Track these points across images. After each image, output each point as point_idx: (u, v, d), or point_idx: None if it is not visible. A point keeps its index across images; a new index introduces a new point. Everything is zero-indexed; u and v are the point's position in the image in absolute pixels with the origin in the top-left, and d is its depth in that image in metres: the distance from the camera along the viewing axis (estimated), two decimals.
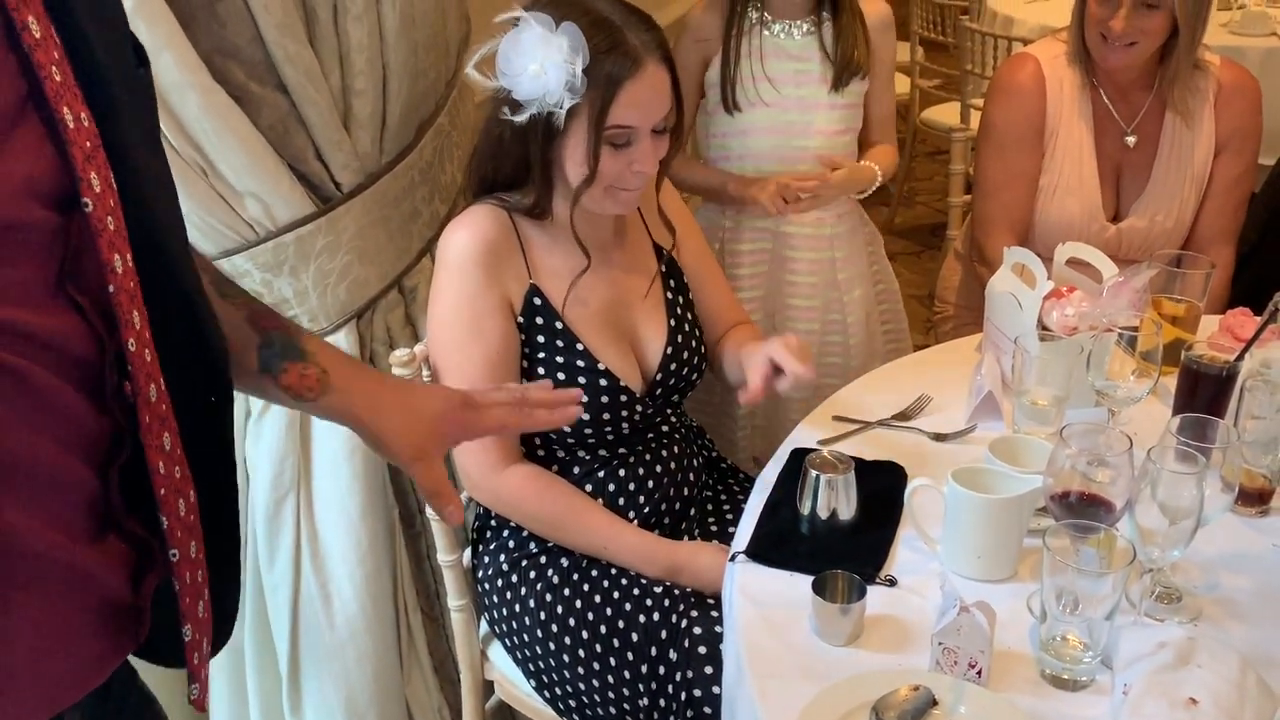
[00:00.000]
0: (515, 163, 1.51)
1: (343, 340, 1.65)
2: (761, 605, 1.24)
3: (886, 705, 1.05)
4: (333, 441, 1.68)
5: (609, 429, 1.56)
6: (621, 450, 1.60)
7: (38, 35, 0.67)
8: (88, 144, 0.69)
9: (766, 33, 1.96)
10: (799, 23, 1.97)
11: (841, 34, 1.96)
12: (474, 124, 1.97)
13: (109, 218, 0.70)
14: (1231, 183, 2.10)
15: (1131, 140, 2.08)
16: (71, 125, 0.68)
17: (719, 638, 1.40)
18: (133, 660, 0.87)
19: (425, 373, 1.57)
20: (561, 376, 1.52)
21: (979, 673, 1.10)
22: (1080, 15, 2.01)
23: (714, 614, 1.44)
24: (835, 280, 2.09)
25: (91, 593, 0.77)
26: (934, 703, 1.06)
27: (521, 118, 1.43)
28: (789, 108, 1.98)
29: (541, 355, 1.53)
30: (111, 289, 0.71)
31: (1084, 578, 1.08)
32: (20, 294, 0.67)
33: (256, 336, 0.98)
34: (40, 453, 0.69)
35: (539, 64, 1.38)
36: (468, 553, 1.68)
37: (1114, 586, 1.07)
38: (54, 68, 0.68)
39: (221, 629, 0.91)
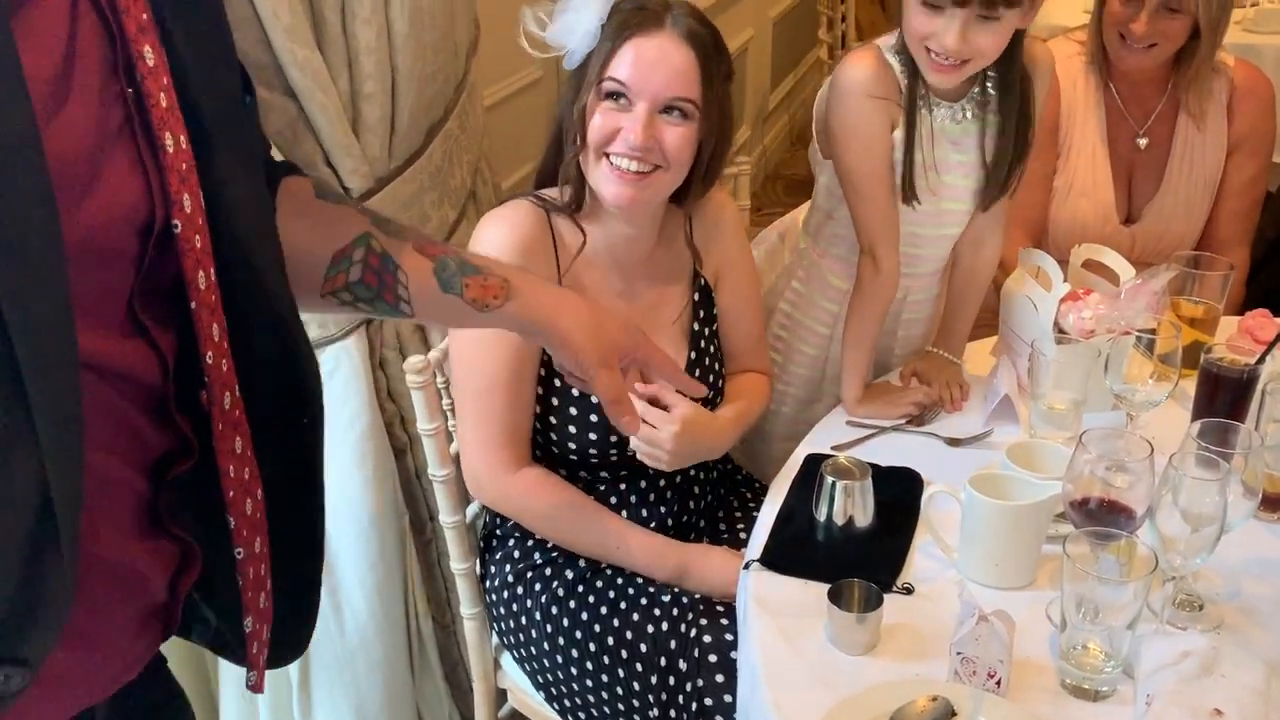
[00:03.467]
0: (556, 147, 1.50)
1: (352, 346, 1.64)
2: (776, 614, 1.22)
3: (904, 716, 1.04)
4: (344, 447, 1.67)
5: (614, 452, 1.54)
6: (623, 471, 1.57)
7: (151, 64, 0.70)
8: (183, 166, 0.72)
9: (929, 113, 1.60)
10: (953, 105, 1.60)
11: (1004, 124, 1.59)
12: (483, 128, 1.96)
13: (196, 236, 0.73)
14: (1245, 185, 2.08)
15: (1143, 142, 2.06)
16: (171, 150, 0.71)
17: (729, 646, 1.39)
18: (185, 650, 0.90)
19: (439, 380, 1.56)
20: (575, 391, 1.50)
21: (998, 683, 1.08)
22: (1100, 14, 1.99)
23: (724, 622, 1.43)
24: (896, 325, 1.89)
25: (136, 591, 0.80)
26: (952, 713, 1.04)
27: (569, 67, 1.44)
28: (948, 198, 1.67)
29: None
30: (194, 305, 0.75)
31: (1104, 586, 1.07)
32: (94, 321, 0.69)
33: (429, 261, 1.00)
34: (96, 462, 0.71)
35: (575, 14, 1.40)
36: (477, 562, 1.67)
37: (1135, 595, 1.05)
38: (161, 94, 0.71)
39: (296, 635, 0.95)
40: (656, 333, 1.58)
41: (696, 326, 1.62)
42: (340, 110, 1.53)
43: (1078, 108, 2.05)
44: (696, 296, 1.62)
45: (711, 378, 1.62)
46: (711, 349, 1.63)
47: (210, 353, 0.77)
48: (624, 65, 1.41)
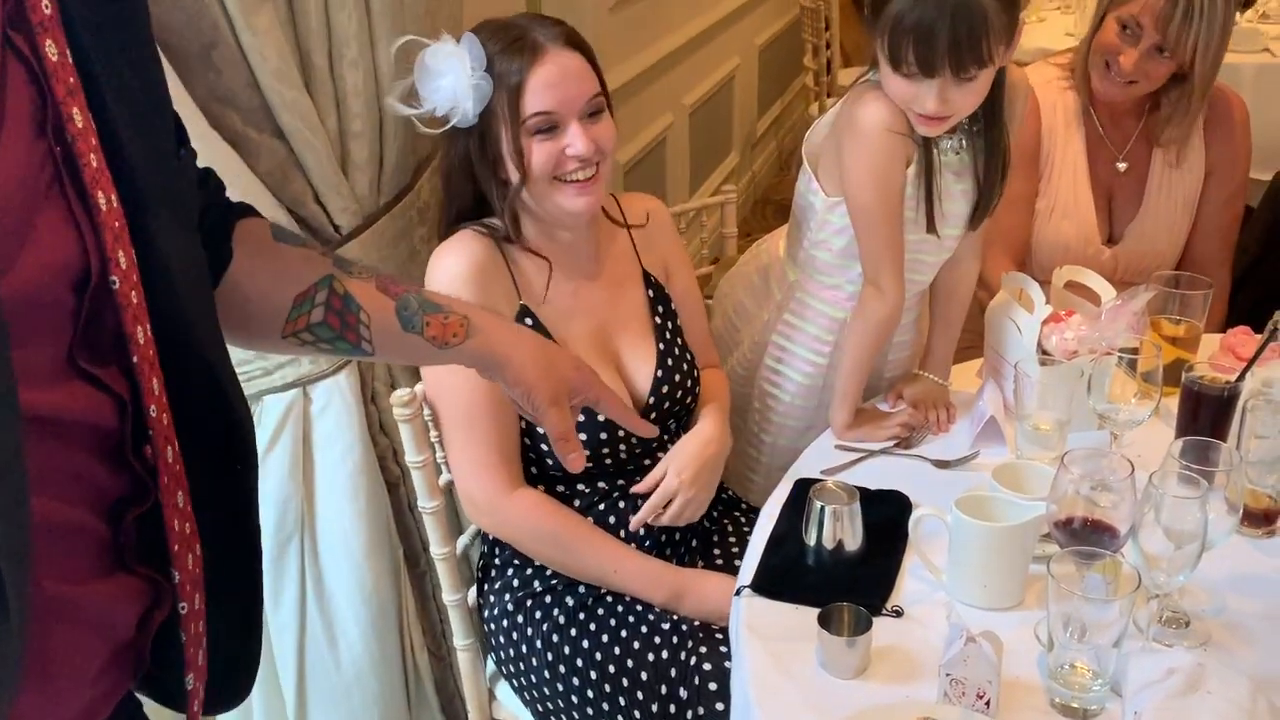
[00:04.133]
0: (466, 194, 1.54)
1: (343, 381, 1.65)
2: (768, 639, 1.23)
3: None
4: (337, 481, 1.68)
5: (607, 459, 1.56)
6: (620, 482, 1.59)
7: (80, 125, 0.71)
8: (116, 224, 0.73)
9: (935, 146, 1.62)
10: (953, 137, 1.63)
11: (991, 152, 1.63)
12: None
13: (133, 293, 0.75)
14: (1222, 205, 2.10)
15: (1123, 166, 2.09)
16: (104, 208, 0.72)
17: (729, 674, 1.39)
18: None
19: (426, 413, 1.57)
20: None
21: (987, 703, 1.09)
22: (1091, 38, 2.00)
23: (723, 649, 1.43)
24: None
25: (99, 630, 0.79)
26: None
27: (447, 128, 1.47)
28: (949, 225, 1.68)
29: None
30: (135, 359, 0.76)
31: (1090, 604, 1.08)
32: (34, 373, 0.70)
33: (391, 301, 1.03)
34: (46, 510, 0.71)
35: (446, 76, 1.43)
36: (473, 591, 1.68)
37: (1121, 612, 1.06)
38: (91, 155, 0.72)
39: (235, 684, 0.93)
40: (623, 333, 1.62)
41: (659, 320, 1.66)
42: (329, 149, 1.55)
43: (1059, 131, 2.08)
44: (651, 293, 1.67)
45: (686, 366, 1.65)
46: (679, 340, 1.67)
47: (152, 406, 0.78)
48: (538, 97, 1.45)
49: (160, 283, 0.77)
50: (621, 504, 1.59)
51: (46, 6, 0.68)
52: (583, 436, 1.53)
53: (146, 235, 0.76)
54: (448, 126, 1.47)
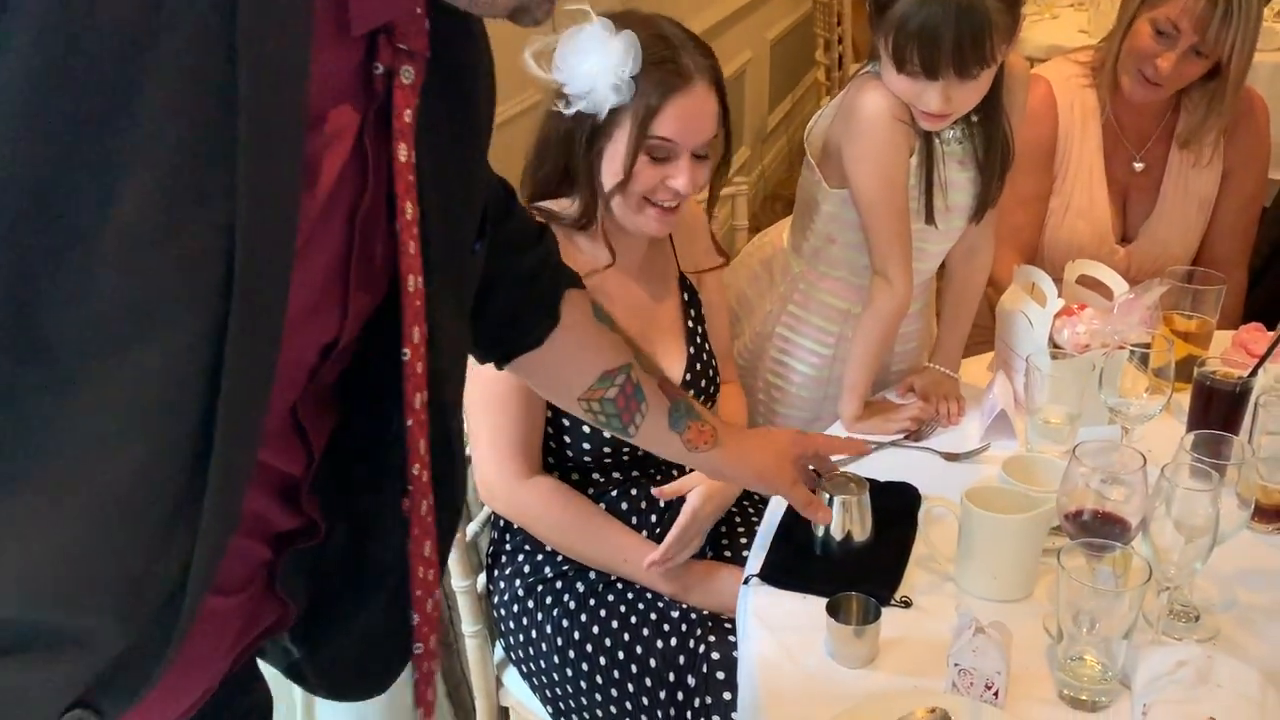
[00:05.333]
0: (555, 165, 1.53)
1: None
2: (776, 628, 1.23)
3: None
4: None
5: (625, 450, 1.57)
6: (634, 473, 1.60)
7: (409, 217, 0.78)
8: (417, 304, 0.81)
9: (938, 136, 1.63)
10: (955, 127, 1.63)
11: (991, 142, 1.63)
12: None
13: (419, 363, 0.82)
14: (1241, 206, 2.09)
15: (1139, 166, 2.06)
16: (411, 290, 0.80)
17: (737, 664, 1.39)
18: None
19: None
20: None
21: (996, 694, 1.09)
22: (1120, 41, 1.96)
23: (732, 639, 1.44)
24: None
25: (224, 637, 0.86)
26: None
27: (569, 111, 1.45)
28: (954, 217, 1.70)
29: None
30: (409, 422, 0.83)
31: (1100, 597, 1.08)
32: (268, 425, 0.74)
33: (667, 402, 1.22)
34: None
35: (593, 63, 1.41)
36: (482, 578, 1.68)
37: (1130, 605, 1.06)
38: (411, 242, 0.79)
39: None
40: (660, 333, 1.63)
41: (690, 324, 1.66)
42: None
43: (1075, 130, 2.06)
44: (685, 296, 1.68)
45: (711, 373, 1.67)
46: (706, 346, 1.68)
47: (416, 465, 0.85)
48: (670, 125, 1.45)
49: (434, 357, 0.84)
50: (635, 493, 1.59)
51: (408, 116, 0.75)
52: (605, 434, 1.53)
53: (434, 316, 0.83)
54: (570, 109, 1.45)
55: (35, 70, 0.53)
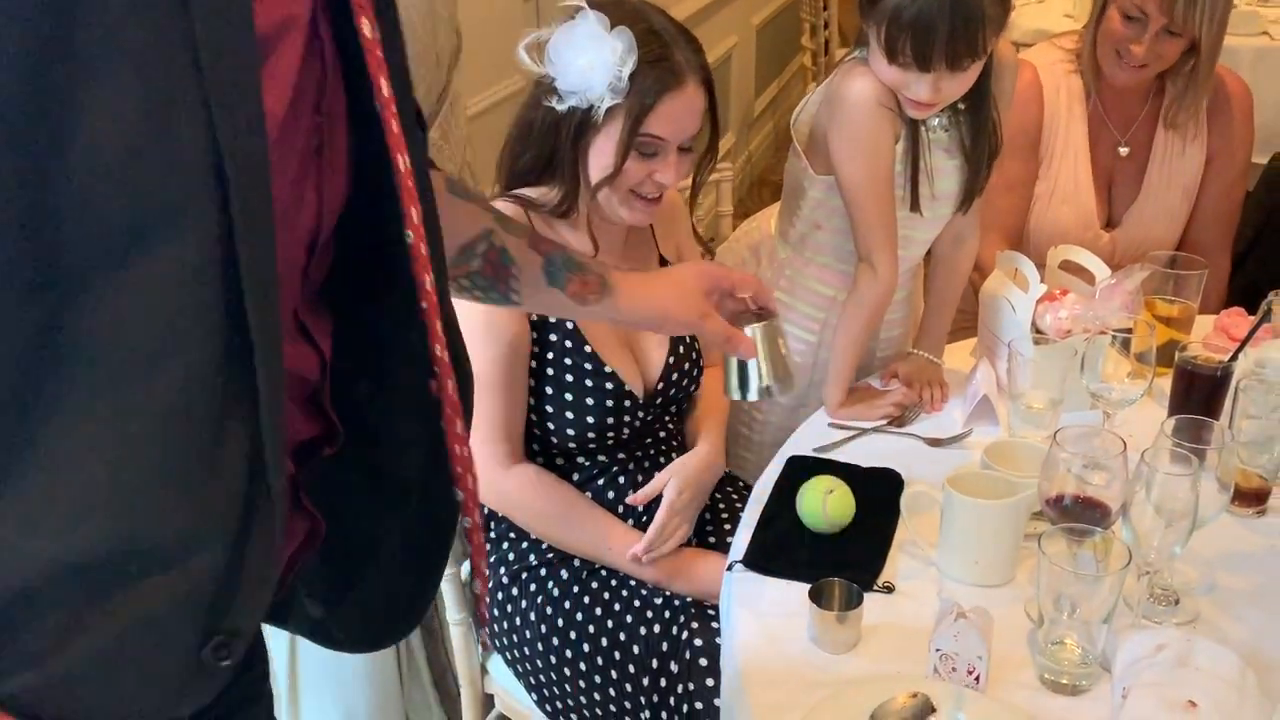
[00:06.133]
0: (539, 153, 1.53)
1: None
2: (759, 614, 1.24)
3: (885, 713, 1.05)
4: None
5: (610, 433, 1.56)
6: (620, 456, 1.60)
7: (386, 95, 0.77)
8: (409, 184, 0.79)
9: (924, 124, 1.62)
10: (941, 115, 1.63)
11: (978, 130, 1.63)
12: (466, 138, 1.97)
13: (423, 244, 0.81)
14: (1224, 191, 2.10)
15: (1125, 150, 2.07)
16: (402, 170, 0.79)
17: (720, 650, 1.40)
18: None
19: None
20: (569, 378, 1.53)
21: (977, 679, 1.09)
22: (1095, 28, 1.97)
23: (715, 625, 1.44)
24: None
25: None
26: (932, 709, 1.06)
27: (561, 107, 1.45)
28: (940, 205, 1.69)
29: (550, 355, 1.54)
30: (424, 305, 0.83)
31: (1081, 581, 1.08)
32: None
33: (539, 257, 1.13)
34: None
35: (589, 59, 1.41)
36: (466, 566, 1.68)
37: (1111, 589, 1.07)
38: (393, 120, 0.78)
39: (398, 623, 1.00)
40: None
41: None
42: None
43: (1061, 115, 2.06)
44: None
45: (694, 355, 1.67)
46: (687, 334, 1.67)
47: (437, 346, 0.85)
48: (662, 124, 1.45)
49: (431, 235, 0.83)
50: (620, 479, 1.59)
51: None
52: (589, 419, 1.54)
53: (425, 194, 0.82)
54: (562, 105, 1.45)
55: None
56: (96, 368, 0.62)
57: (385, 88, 0.77)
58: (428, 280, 0.82)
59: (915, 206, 1.62)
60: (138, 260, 0.61)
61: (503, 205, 1.54)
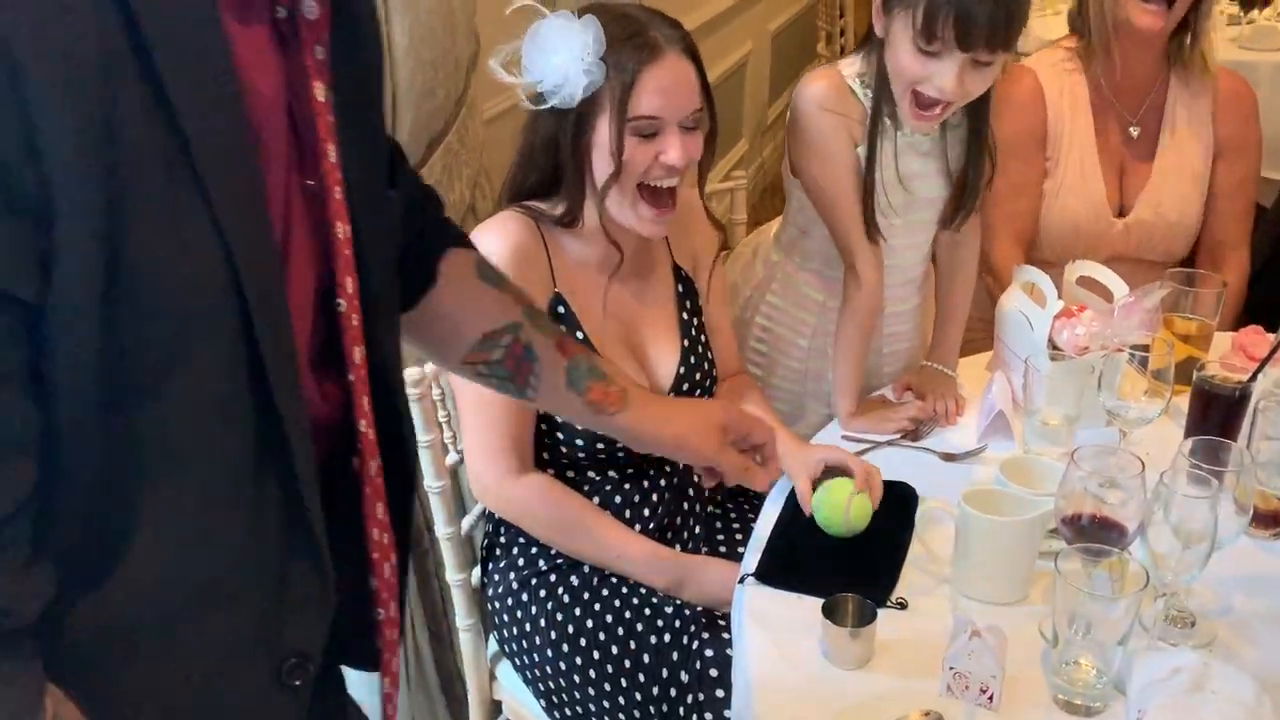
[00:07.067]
0: (544, 171, 1.52)
1: None
2: (771, 628, 1.23)
3: None
4: None
5: (619, 446, 1.56)
6: (629, 469, 1.59)
7: (332, 161, 0.78)
8: (346, 252, 0.80)
9: (899, 134, 1.64)
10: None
11: (970, 149, 1.64)
12: (482, 143, 1.97)
13: (354, 315, 0.82)
14: (1236, 186, 2.12)
15: (1136, 131, 2.09)
16: (340, 237, 0.80)
17: (730, 660, 1.39)
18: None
19: (436, 391, 1.57)
20: None
21: (990, 698, 1.09)
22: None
23: (725, 635, 1.43)
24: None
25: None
26: None
27: (546, 107, 1.45)
28: (919, 209, 1.71)
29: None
30: (351, 378, 0.83)
31: (1096, 602, 1.07)
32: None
33: (564, 359, 1.13)
34: None
35: (562, 55, 1.41)
36: (476, 571, 1.68)
37: (1127, 611, 1.06)
38: (336, 188, 0.79)
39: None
40: (649, 327, 1.62)
41: (685, 316, 1.65)
42: None
43: (1065, 113, 2.08)
44: (680, 287, 1.66)
45: (707, 365, 1.66)
46: (702, 337, 1.67)
47: (362, 421, 0.85)
48: (648, 99, 1.43)
49: (369, 309, 0.84)
50: (629, 488, 1.59)
51: (319, 53, 0.76)
52: (596, 431, 1.53)
53: (365, 265, 0.82)
54: (546, 107, 1.45)
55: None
56: (167, 454, 0.72)
57: (332, 153, 0.78)
58: (357, 353, 0.82)
59: (871, 232, 1.63)
60: (191, 355, 0.70)
61: (511, 213, 1.54)
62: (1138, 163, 2.10)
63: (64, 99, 0.61)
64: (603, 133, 1.45)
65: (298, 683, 0.82)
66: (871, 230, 1.64)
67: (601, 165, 1.47)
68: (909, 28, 1.49)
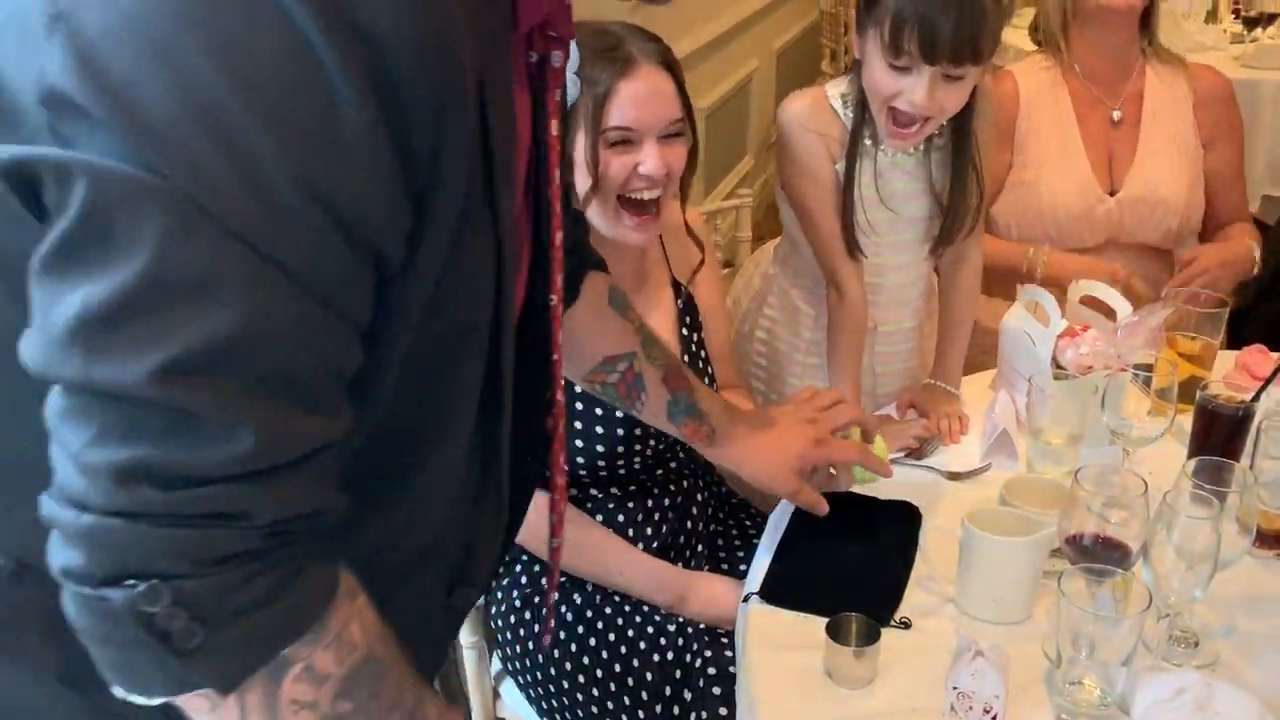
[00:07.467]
0: None
1: None
2: (774, 647, 1.23)
3: None
4: None
5: (620, 462, 1.56)
6: (631, 488, 1.59)
7: (556, 185, 0.89)
8: (558, 255, 0.92)
9: (880, 153, 1.67)
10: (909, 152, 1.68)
11: (954, 169, 1.66)
12: None
13: (560, 305, 0.95)
14: (1228, 161, 2.19)
15: (1118, 115, 2.13)
16: (557, 244, 0.92)
17: (734, 678, 1.39)
18: None
19: None
20: (579, 405, 1.52)
21: (994, 718, 1.09)
22: None
23: (729, 653, 1.44)
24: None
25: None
26: None
27: None
28: (904, 229, 1.73)
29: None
30: (555, 356, 0.97)
31: (1100, 622, 1.07)
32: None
33: (667, 394, 1.31)
34: None
35: None
36: None
37: (1130, 631, 1.06)
38: (556, 204, 0.90)
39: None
40: None
41: (685, 332, 1.66)
42: None
43: (1043, 105, 2.13)
44: (680, 303, 1.67)
45: (706, 381, 1.66)
46: (703, 354, 1.67)
47: (559, 391, 1.00)
48: (623, 111, 1.44)
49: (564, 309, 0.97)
50: (631, 506, 1.59)
51: (558, 95, 0.88)
52: (599, 448, 1.54)
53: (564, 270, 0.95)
54: None
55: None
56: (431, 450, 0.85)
57: (557, 178, 0.90)
58: (561, 335, 0.97)
59: (851, 250, 1.66)
60: (463, 354, 0.81)
61: None
62: (1124, 145, 2.15)
63: (463, 113, 0.68)
64: (580, 148, 1.46)
65: (460, 605, 0.97)
66: (852, 248, 1.66)
67: (580, 179, 1.48)
68: (879, 44, 1.51)
